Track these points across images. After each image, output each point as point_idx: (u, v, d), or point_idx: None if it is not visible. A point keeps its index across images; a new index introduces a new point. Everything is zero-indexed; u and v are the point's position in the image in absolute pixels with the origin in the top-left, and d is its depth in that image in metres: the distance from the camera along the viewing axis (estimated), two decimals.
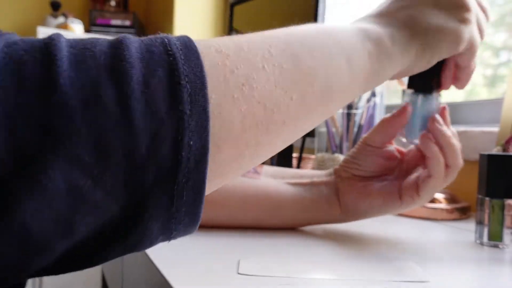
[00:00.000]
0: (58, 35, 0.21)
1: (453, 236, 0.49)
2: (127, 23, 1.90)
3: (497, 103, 0.79)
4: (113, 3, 2.05)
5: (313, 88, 0.27)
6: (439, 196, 0.60)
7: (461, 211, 0.60)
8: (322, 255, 0.38)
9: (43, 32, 1.63)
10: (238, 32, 1.65)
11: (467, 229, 0.52)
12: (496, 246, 0.43)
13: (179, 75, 0.20)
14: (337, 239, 0.44)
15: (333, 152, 0.73)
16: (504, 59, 0.92)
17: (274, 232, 0.45)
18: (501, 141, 0.57)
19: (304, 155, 0.84)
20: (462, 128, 0.73)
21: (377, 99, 0.71)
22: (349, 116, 0.72)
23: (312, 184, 0.47)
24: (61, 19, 1.82)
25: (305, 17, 1.34)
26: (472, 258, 0.39)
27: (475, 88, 0.96)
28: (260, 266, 0.33)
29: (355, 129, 0.72)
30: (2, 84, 0.18)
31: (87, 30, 1.88)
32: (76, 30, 1.76)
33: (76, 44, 0.20)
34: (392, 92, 1.14)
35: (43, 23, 1.83)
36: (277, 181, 0.47)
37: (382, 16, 0.34)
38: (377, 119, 0.72)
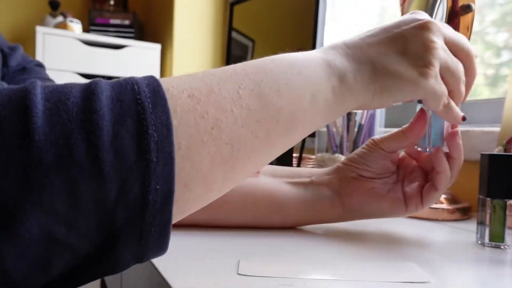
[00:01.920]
0: (35, 85, 0.22)
1: (454, 237, 0.48)
2: (127, 22, 1.89)
3: (498, 102, 0.79)
4: (112, 2, 2.05)
5: (278, 125, 0.29)
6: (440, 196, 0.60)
7: (462, 211, 0.59)
8: (322, 255, 0.38)
9: (42, 32, 1.63)
10: (238, 31, 1.64)
11: (469, 229, 0.52)
12: (497, 247, 0.43)
13: (146, 125, 0.22)
14: (338, 239, 0.44)
15: (334, 152, 0.73)
16: (506, 58, 0.92)
17: (274, 232, 0.45)
18: (503, 141, 0.57)
19: (304, 155, 0.84)
20: (463, 127, 0.72)
21: None
22: (349, 116, 0.72)
23: (312, 184, 0.47)
24: (60, 19, 1.81)
25: (305, 16, 1.34)
26: (473, 258, 0.39)
27: (477, 88, 0.96)
28: (260, 267, 0.33)
29: (355, 129, 0.72)
30: None
31: (86, 29, 1.88)
32: (75, 29, 1.75)
33: (51, 96, 0.21)
34: None
35: (42, 22, 1.83)
36: (277, 180, 0.47)
37: (354, 48, 0.35)
38: (378, 119, 0.72)
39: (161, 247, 0.24)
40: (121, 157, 0.21)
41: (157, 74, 1.83)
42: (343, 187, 0.46)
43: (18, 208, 0.19)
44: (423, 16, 0.37)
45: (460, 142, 0.42)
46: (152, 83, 0.24)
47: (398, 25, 0.36)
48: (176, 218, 0.25)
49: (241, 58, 1.61)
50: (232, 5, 1.69)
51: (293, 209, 0.46)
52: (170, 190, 0.22)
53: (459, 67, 0.38)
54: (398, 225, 0.53)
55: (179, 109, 0.24)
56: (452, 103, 0.38)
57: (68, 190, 0.20)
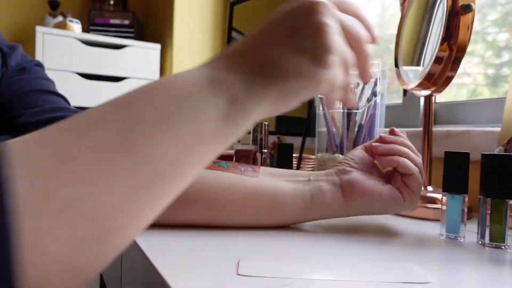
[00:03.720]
0: None
1: None
2: (126, 22, 1.89)
3: (499, 102, 0.79)
4: (112, 2, 2.05)
5: (156, 185, 0.25)
6: (441, 196, 0.60)
7: None
8: (322, 255, 0.38)
9: (41, 32, 1.62)
10: (238, 31, 1.64)
11: (469, 229, 0.52)
12: (498, 247, 0.43)
13: None
14: (338, 239, 0.44)
15: (334, 152, 0.73)
16: (506, 58, 0.91)
17: (274, 232, 0.45)
18: (503, 141, 0.57)
19: (304, 155, 0.83)
20: (464, 127, 0.72)
21: (377, 99, 0.71)
22: (349, 116, 0.71)
23: (309, 180, 0.48)
24: (59, 19, 1.81)
25: None
26: (473, 259, 0.39)
27: (477, 88, 0.96)
28: (260, 267, 0.33)
29: (356, 129, 0.72)
30: None
31: (85, 29, 1.87)
32: (75, 29, 1.75)
33: None
34: (393, 92, 1.14)
35: (42, 22, 1.83)
36: (276, 179, 0.48)
37: (242, 53, 0.31)
38: (378, 119, 0.72)
39: None
40: None
41: (156, 74, 1.83)
42: (343, 179, 0.48)
43: None
44: None
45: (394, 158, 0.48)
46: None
47: (285, 15, 0.33)
48: None
49: None
50: (232, 5, 1.69)
51: (293, 204, 0.46)
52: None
53: (357, 29, 0.34)
54: (398, 225, 0.53)
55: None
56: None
57: None
